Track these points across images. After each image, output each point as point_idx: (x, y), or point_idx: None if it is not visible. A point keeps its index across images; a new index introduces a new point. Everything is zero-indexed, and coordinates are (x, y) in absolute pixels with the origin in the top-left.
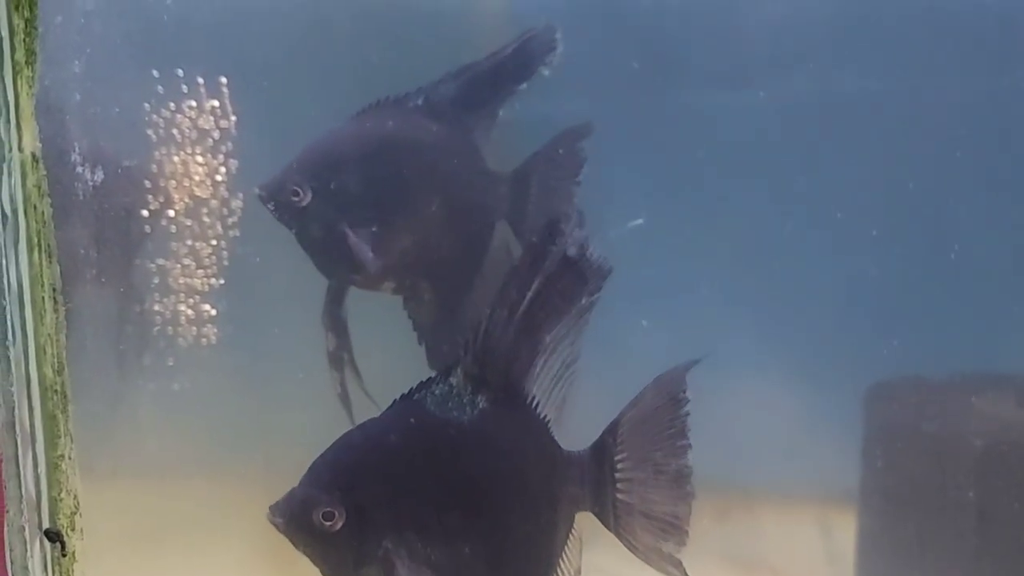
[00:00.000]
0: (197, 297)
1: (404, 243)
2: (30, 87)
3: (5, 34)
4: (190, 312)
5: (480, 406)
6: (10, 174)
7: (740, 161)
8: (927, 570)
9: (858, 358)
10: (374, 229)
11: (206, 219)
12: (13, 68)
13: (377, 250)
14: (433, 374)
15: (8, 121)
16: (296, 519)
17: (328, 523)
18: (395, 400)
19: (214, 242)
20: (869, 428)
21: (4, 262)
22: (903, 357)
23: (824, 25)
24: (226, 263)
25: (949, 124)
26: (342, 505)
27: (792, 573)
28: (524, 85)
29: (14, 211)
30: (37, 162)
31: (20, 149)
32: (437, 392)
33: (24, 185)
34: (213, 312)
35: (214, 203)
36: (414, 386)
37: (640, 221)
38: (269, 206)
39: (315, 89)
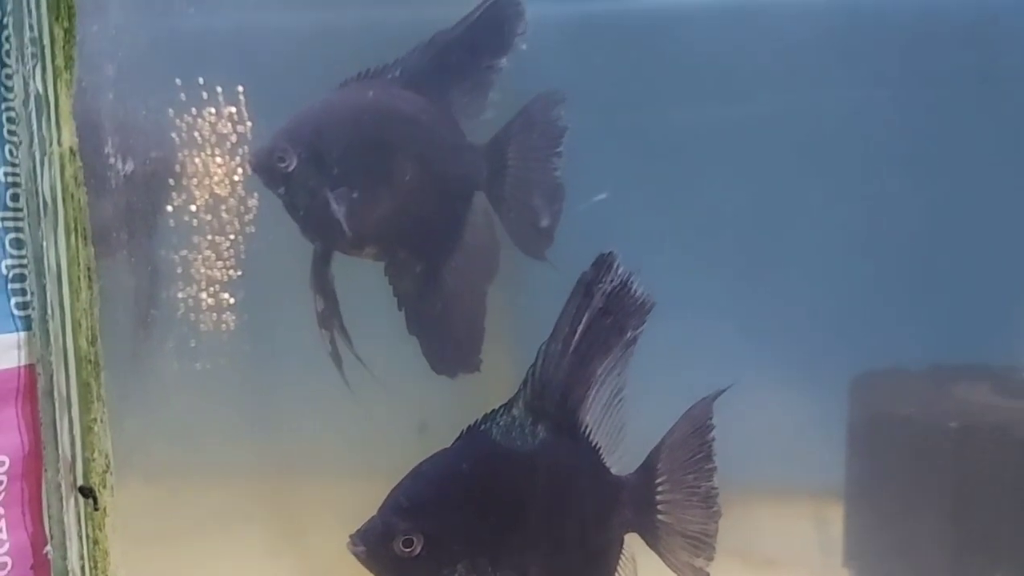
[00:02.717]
0: (217, 286)
1: (382, 210)
2: (68, 89)
3: (47, 42)
4: (211, 300)
5: (540, 435)
6: (51, 166)
7: (728, 169)
8: (910, 549)
9: (850, 353)
10: (355, 195)
11: (225, 216)
12: (54, 72)
13: (356, 216)
14: (497, 407)
15: (49, 119)
16: (378, 546)
17: (408, 549)
18: (463, 431)
19: (232, 237)
20: (852, 416)
21: (44, 244)
22: (889, 351)
23: (822, 37)
24: (243, 257)
25: (937, 130)
26: (420, 532)
27: (786, 560)
28: (503, 60)
29: (54, 199)
30: (74, 155)
31: (59, 144)
32: (501, 423)
33: (63, 176)
34: (232, 301)
35: (232, 202)
36: (479, 418)
37: (604, 196)
38: (258, 172)
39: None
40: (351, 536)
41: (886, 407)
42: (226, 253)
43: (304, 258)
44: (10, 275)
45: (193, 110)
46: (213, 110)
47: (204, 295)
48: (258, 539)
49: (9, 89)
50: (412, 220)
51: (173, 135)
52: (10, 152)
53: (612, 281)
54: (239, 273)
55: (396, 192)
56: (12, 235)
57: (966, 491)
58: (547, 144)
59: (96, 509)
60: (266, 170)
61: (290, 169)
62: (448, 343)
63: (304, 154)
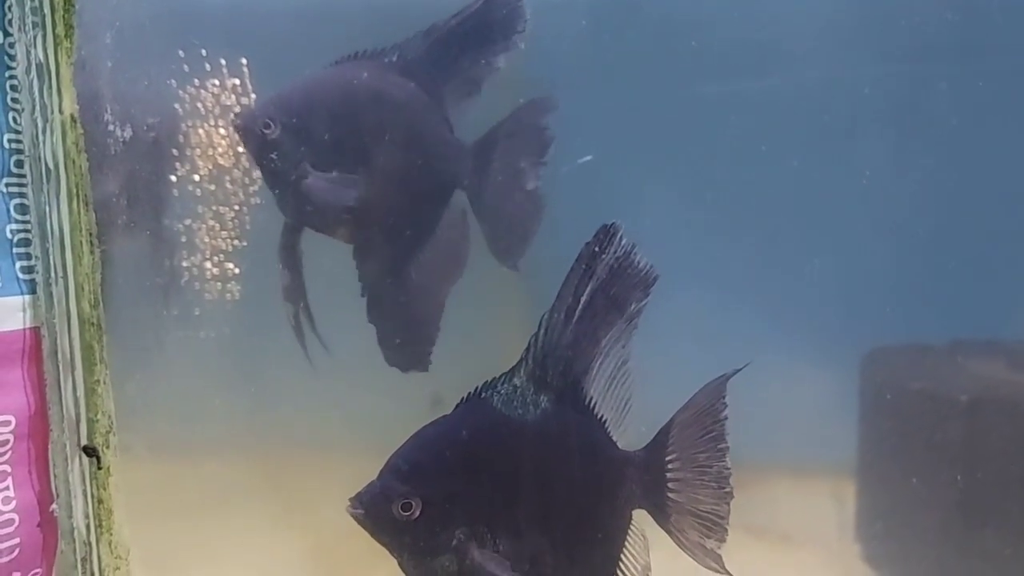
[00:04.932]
0: (221, 256)
1: (360, 192)
2: (69, 57)
3: (47, 11)
4: (215, 269)
5: (542, 406)
6: (52, 133)
7: (743, 144)
8: (920, 524)
9: (867, 330)
10: (333, 173)
11: (229, 186)
12: (54, 40)
13: (332, 194)
14: (497, 375)
15: (50, 87)
16: (376, 509)
17: (406, 513)
18: (463, 398)
19: (237, 207)
20: (864, 391)
21: (48, 210)
22: (906, 328)
23: (837, 12)
24: (248, 227)
25: (954, 107)
26: (419, 496)
27: (802, 537)
28: (501, 59)
29: (56, 165)
30: (75, 122)
31: (60, 111)
32: (502, 391)
33: (64, 143)
34: (236, 271)
35: (237, 173)
36: (480, 385)
37: (589, 157)
38: (240, 135)
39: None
40: (350, 499)
41: (898, 381)
42: (230, 223)
43: (308, 231)
44: (15, 239)
45: (196, 81)
46: (216, 81)
47: (208, 264)
48: (265, 512)
49: (12, 57)
50: (388, 207)
51: (176, 105)
52: (13, 119)
53: (615, 252)
54: (244, 243)
55: (376, 177)
56: (16, 200)
57: (977, 465)
58: (533, 152)
59: (100, 468)
60: (249, 133)
61: (273, 137)
62: (403, 337)
63: (289, 124)
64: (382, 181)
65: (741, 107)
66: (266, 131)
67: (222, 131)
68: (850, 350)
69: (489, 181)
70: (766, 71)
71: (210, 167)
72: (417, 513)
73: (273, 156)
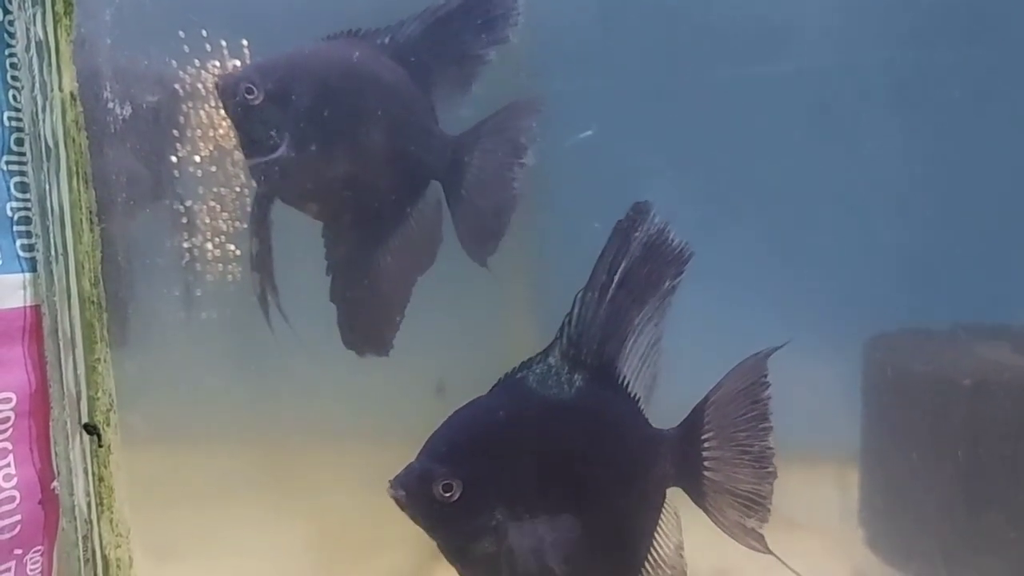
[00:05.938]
0: (222, 237)
1: (336, 170)
2: (68, 34)
3: None
4: (216, 251)
5: (577, 384)
6: (52, 111)
7: (748, 131)
8: (924, 509)
9: (876, 316)
10: (312, 147)
11: (231, 168)
12: (54, 18)
13: (308, 168)
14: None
15: (50, 64)
16: (417, 491)
17: (447, 495)
18: (500, 379)
19: (238, 189)
20: (869, 376)
21: (47, 188)
22: (915, 313)
23: None
24: (249, 209)
25: (961, 93)
26: (459, 477)
27: (805, 523)
28: (492, 53)
29: (56, 143)
30: (75, 100)
31: (60, 89)
32: (537, 371)
33: (64, 120)
34: (238, 252)
35: (238, 155)
36: (516, 366)
37: (590, 132)
38: (222, 98)
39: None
40: (390, 481)
41: (902, 366)
42: (232, 203)
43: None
44: (15, 217)
45: (196, 61)
46: (217, 62)
47: (209, 245)
48: (266, 495)
49: (11, 35)
50: (363, 189)
51: (176, 85)
52: (13, 97)
53: (648, 230)
54: (245, 224)
55: (354, 157)
56: (16, 178)
57: (981, 449)
58: (513, 152)
59: (100, 446)
60: (231, 97)
61: (255, 103)
62: (365, 320)
63: (273, 92)
64: (359, 161)
65: (746, 91)
66: (248, 96)
67: (223, 112)
68: (853, 334)
69: (467, 176)
70: (772, 55)
71: (211, 147)
72: (458, 494)
73: (252, 122)
